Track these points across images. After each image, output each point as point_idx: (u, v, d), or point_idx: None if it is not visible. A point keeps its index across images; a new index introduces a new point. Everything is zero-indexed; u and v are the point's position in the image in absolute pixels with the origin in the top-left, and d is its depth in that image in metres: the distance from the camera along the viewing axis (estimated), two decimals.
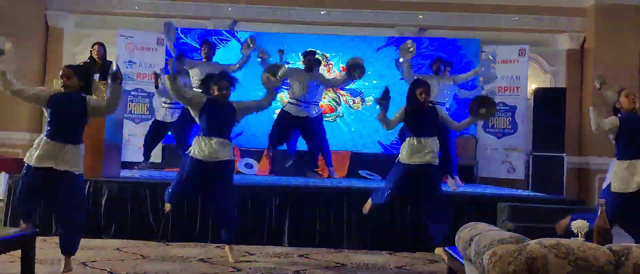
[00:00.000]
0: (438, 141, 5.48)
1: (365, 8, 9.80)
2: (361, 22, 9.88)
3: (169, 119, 7.50)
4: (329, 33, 9.81)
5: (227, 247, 5.19)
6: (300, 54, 7.94)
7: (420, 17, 9.85)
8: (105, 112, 4.54)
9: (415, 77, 6.49)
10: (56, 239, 5.59)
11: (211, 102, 5.02)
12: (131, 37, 9.32)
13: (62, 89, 4.32)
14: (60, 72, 4.35)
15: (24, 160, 4.30)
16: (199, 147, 4.98)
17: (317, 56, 7.67)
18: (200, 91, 5.74)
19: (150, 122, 8.07)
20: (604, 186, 4.95)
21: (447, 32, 9.85)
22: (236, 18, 9.92)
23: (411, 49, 6.82)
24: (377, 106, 5.48)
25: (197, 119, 5.11)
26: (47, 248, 5.29)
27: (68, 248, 4.36)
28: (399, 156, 5.48)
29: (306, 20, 9.85)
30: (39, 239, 4.27)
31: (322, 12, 9.83)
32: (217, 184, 5.03)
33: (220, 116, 5.01)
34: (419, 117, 5.41)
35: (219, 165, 4.98)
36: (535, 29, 9.84)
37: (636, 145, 4.72)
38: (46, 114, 4.35)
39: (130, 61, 9.26)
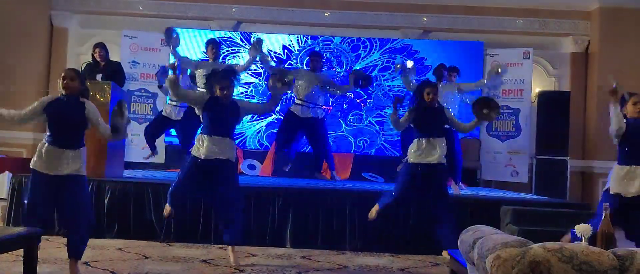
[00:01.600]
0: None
1: (370, 10, 9.80)
2: (365, 24, 9.88)
3: (174, 117, 7.50)
4: (333, 35, 9.80)
5: (229, 249, 5.15)
6: (306, 55, 7.93)
7: (425, 19, 9.84)
8: (104, 137, 4.51)
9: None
10: (59, 239, 5.61)
11: (213, 100, 5.01)
12: (135, 37, 9.35)
13: (63, 90, 4.25)
14: (63, 73, 4.29)
15: (30, 166, 4.28)
16: (200, 145, 4.97)
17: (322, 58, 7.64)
18: (205, 90, 5.74)
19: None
20: (604, 188, 4.92)
21: (451, 35, 9.83)
22: (240, 19, 9.93)
23: (410, 69, 7.05)
24: (389, 107, 5.57)
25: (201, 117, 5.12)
26: (49, 247, 5.30)
27: (74, 252, 4.29)
28: (407, 156, 5.55)
29: (310, 21, 9.85)
30: (41, 238, 4.26)
31: (326, 14, 9.83)
32: (219, 184, 4.99)
33: (222, 114, 4.98)
34: (427, 118, 5.48)
35: (218, 164, 4.94)
36: (540, 32, 9.82)
37: (638, 151, 4.68)
38: (45, 121, 4.30)
39: (134, 61, 9.28)
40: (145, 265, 4.84)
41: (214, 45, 7.19)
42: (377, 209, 5.64)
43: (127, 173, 7.21)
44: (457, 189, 6.95)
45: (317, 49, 9.42)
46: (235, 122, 5.12)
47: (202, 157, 4.92)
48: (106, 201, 6.21)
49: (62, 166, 4.19)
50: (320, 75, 7.26)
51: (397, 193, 5.53)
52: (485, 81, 7.65)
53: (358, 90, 7.67)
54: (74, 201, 4.26)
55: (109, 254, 5.30)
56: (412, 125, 5.65)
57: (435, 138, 5.46)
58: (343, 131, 9.64)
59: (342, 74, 9.64)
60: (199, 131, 5.15)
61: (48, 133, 4.27)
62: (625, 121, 4.78)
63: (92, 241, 5.80)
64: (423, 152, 5.43)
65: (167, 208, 5.23)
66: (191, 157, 5.03)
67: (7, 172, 7.48)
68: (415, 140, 5.54)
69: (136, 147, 8.78)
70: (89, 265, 4.74)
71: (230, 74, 5.07)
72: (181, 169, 5.21)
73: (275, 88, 5.34)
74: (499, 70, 7.55)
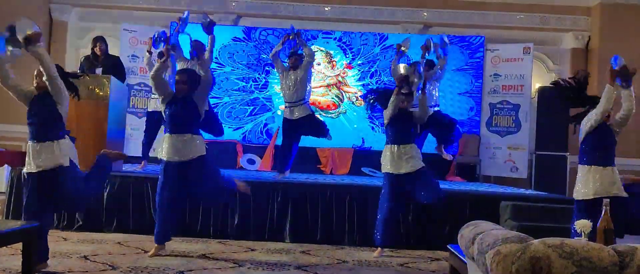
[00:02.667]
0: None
1: (370, 5, 9.78)
2: (365, 19, 9.87)
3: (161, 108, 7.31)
4: (333, 29, 9.78)
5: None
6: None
7: (425, 14, 9.83)
8: (49, 79, 4.25)
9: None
10: (58, 232, 5.61)
11: (174, 98, 4.97)
12: (134, 31, 9.33)
13: (35, 90, 4.25)
14: (35, 72, 4.27)
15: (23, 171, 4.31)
16: (165, 147, 4.92)
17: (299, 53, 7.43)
18: None
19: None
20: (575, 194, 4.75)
21: (451, 30, 9.81)
22: (240, 13, 9.91)
23: (404, 48, 6.98)
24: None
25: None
26: (48, 241, 5.28)
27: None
28: (382, 165, 5.60)
29: (310, 16, 9.83)
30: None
31: (326, 8, 9.81)
32: (195, 182, 4.93)
33: (181, 111, 4.91)
34: (398, 124, 5.53)
35: (189, 164, 4.89)
36: (540, 27, 9.81)
37: (600, 151, 4.58)
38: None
39: (133, 55, 9.26)
40: (145, 259, 4.84)
41: (197, 45, 6.91)
42: (381, 246, 5.61)
43: (126, 167, 7.20)
44: (446, 155, 7.14)
45: (316, 45, 9.42)
46: (196, 118, 4.98)
47: (169, 160, 4.89)
48: (105, 195, 6.20)
49: (43, 159, 4.16)
50: (299, 71, 7.12)
51: (388, 205, 5.51)
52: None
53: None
54: (62, 193, 4.21)
55: (108, 248, 5.29)
56: (385, 127, 5.65)
57: (405, 145, 5.48)
58: (343, 126, 9.63)
59: (342, 68, 9.62)
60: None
61: (30, 132, 4.26)
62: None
63: (91, 235, 5.83)
64: (395, 162, 5.46)
65: (154, 250, 5.05)
66: (161, 163, 4.98)
67: (5, 165, 7.47)
68: (387, 147, 5.58)
69: (136, 141, 8.75)
70: (89, 259, 4.74)
71: (189, 72, 5.10)
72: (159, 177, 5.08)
73: None
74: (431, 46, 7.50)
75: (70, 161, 4.27)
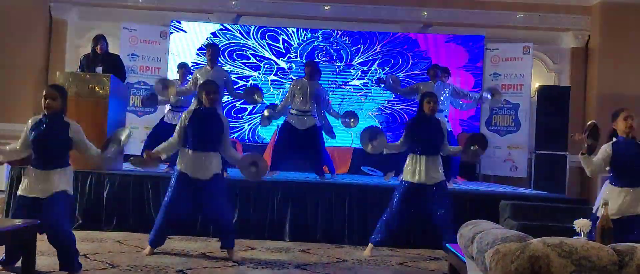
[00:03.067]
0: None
1: (370, 4, 9.77)
2: (365, 18, 9.86)
3: (175, 121, 7.35)
4: (333, 28, 9.78)
5: (226, 251, 5.07)
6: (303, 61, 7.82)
7: (425, 13, 9.82)
8: (93, 159, 4.39)
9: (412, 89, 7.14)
10: None
11: (198, 112, 4.88)
12: (135, 30, 9.33)
13: (45, 110, 4.15)
14: (44, 92, 4.17)
15: (17, 193, 4.22)
16: (185, 161, 4.84)
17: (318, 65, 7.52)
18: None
19: (154, 122, 7.95)
20: (594, 209, 4.54)
21: (451, 29, 9.81)
22: (240, 12, 9.90)
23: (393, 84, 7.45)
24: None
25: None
26: (45, 239, 5.28)
27: (67, 266, 4.16)
28: (402, 175, 5.48)
29: (310, 15, 9.82)
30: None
31: (326, 7, 9.80)
32: (208, 199, 4.88)
33: (207, 127, 4.84)
34: (424, 132, 5.35)
35: (207, 182, 4.83)
36: (540, 26, 9.80)
37: (630, 173, 4.40)
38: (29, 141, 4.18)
39: (133, 54, 9.26)
40: (144, 258, 4.85)
41: (211, 49, 6.87)
42: (373, 244, 5.54)
43: (126, 166, 7.20)
44: (450, 184, 6.99)
45: (314, 44, 9.44)
46: (220, 135, 4.88)
47: (189, 173, 4.81)
48: (105, 193, 6.21)
49: (47, 188, 4.09)
50: (316, 83, 7.12)
51: (397, 212, 5.39)
52: (477, 97, 7.73)
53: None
54: (55, 219, 4.08)
55: (108, 246, 5.30)
56: (407, 138, 5.45)
57: (432, 156, 5.33)
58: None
59: (341, 67, 9.63)
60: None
61: (32, 155, 4.17)
62: (613, 141, 4.52)
63: (91, 233, 5.83)
64: (418, 171, 5.30)
65: (148, 250, 5.01)
66: (177, 173, 4.89)
67: (5, 164, 7.44)
68: (410, 156, 5.41)
69: (135, 140, 8.75)
70: (88, 258, 4.74)
71: (215, 83, 5.01)
72: (169, 188, 4.98)
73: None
74: (499, 98, 7.69)
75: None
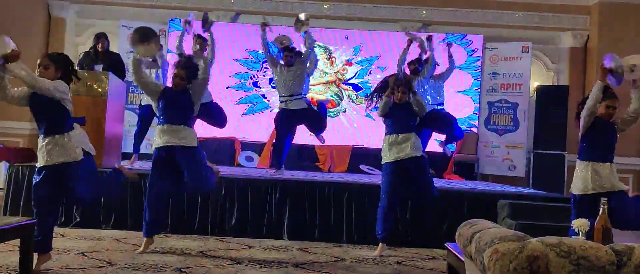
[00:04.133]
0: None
1: (369, 3, 9.78)
2: (364, 16, 9.86)
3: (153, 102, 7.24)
4: (332, 27, 9.77)
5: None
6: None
7: (424, 12, 9.83)
8: (33, 88, 4.16)
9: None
10: (56, 229, 5.59)
11: (168, 90, 4.97)
12: (133, 28, 9.28)
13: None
14: (38, 61, 4.20)
15: (37, 166, 4.22)
16: (159, 136, 4.91)
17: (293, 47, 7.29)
18: None
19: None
20: (572, 188, 4.69)
21: (450, 28, 9.81)
22: (239, 10, 9.90)
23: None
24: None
25: (155, 109, 5.04)
26: None
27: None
28: (382, 157, 5.54)
29: (309, 13, 9.79)
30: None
31: (325, 6, 9.80)
32: (187, 164, 4.88)
33: (176, 103, 4.90)
34: (395, 116, 5.47)
35: (178, 151, 4.85)
36: (539, 26, 9.82)
37: (598, 148, 4.54)
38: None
39: (132, 52, 9.22)
40: (142, 256, 4.84)
41: (200, 40, 6.87)
42: (382, 241, 5.53)
43: (124, 164, 7.19)
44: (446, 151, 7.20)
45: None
46: (190, 110, 4.96)
47: (161, 145, 4.86)
48: None
49: (54, 154, 4.11)
50: (295, 68, 7.11)
51: (387, 195, 5.44)
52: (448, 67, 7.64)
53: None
54: (77, 185, 4.18)
55: (106, 245, 5.29)
56: (382, 120, 5.63)
57: (405, 133, 5.44)
58: (342, 124, 9.63)
59: (340, 66, 9.63)
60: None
61: (38, 127, 4.20)
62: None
63: (88, 232, 5.82)
64: (394, 148, 5.42)
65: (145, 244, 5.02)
66: (154, 151, 4.94)
67: (4, 162, 7.45)
68: (385, 137, 5.54)
69: (133, 138, 8.74)
70: (86, 255, 4.74)
71: (187, 63, 5.00)
72: (150, 173, 5.03)
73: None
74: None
75: (84, 151, 4.24)
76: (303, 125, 7.24)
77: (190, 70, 4.94)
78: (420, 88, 7.05)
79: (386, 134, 5.55)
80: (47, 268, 4.24)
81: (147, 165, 7.49)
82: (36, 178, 4.20)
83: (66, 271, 4.18)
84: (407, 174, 5.45)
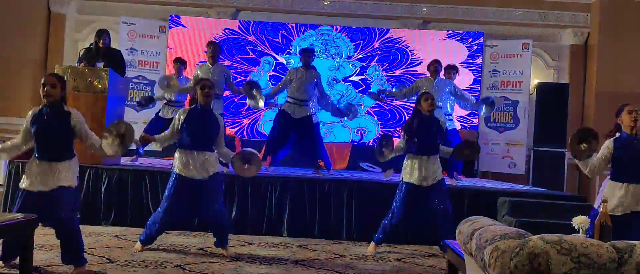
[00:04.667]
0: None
1: (369, 0, 9.76)
2: (365, 14, 9.85)
3: (169, 116, 7.36)
4: (332, 24, 9.76)
5: (222, 249, 5.03)
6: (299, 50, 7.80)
7: (424, 10, 9.81)
8: (94, 149, 4.24)
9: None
10: None
11: (193, 111, 4.80)
12: (133, 24, 9.30)
13: (43, 99, 4.03)
14: (43, 80, 4.04)
15: (20, 186, 4.11)
16: (182, 162, 4.74)
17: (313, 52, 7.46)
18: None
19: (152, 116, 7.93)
20: (595, 205, 4.48)
21: (450, 25, 9.80)
22: (239, 7, 9.88)
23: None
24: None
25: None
26: (46, 234, 5.28)
27: (72, 260, 4.13)
28: (402, 175, 5.34)
29: (309, 10, 9.81)
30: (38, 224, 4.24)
31: (325, 3, 9.79)
32: (205, 199, 4.80)
33: (202, 126, 4.76)
34: (423, 133, 5.24)
35: (205, 183, 4.75)
36: (540, 23, 9.81)
37: (631, 169, 4.31)
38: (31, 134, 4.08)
39: (132, 48, 9.24)
40: (142, 253, 4.84)
41: (213, 46, 6.93)
42: (376, 242, 5.45)
43: (124, 161, 7.20)
44: (453, 181, 6.95)
45: (313, 40, 9.45)
46: (216, 135, 4.82)
47: (186, 176, 4.71)
48: (103, 188, 6.20)
49: (51, 181, 3.99)
50: (312, 72, 7.11)
51: (398, 213, 5.28)
52: (473, 103, 7.61)
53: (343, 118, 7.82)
54: (60, 211, 4.02)
55: (106, 241, 5.29)
56: (407, 138, 5.35)
57: (431, 155, 5.24)
58: (341, 121, 9.63)
59: (340, 63, 9.62)
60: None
61: (35, 147, 4.07)
62: (616, 137, 4.45)
63: (88, 228, 5.82)
64: (418, 172, 5.20)
65: (138, 247, 4.94)
66: (174, 175, 4.79)
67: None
68: (408, 156, 5.31)
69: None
70: (86, 252, 4.73)
71: (209, 81, 4.91)
72: (167, 190, 4.87)
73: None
74: (491, 110, 7.66)
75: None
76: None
77: (213, 86, 4.97)
78: (442, 89, 7.10)
79: (409, 152, 5.30)
80: (47, 264, 4.25)
81: (147, 162, 7.49)
82: (21, 202, 4.04)
83: (66, 269, 4.18)
84: (426, 196, 5.25)
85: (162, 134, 4.89)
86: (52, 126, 4.03)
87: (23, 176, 4.10)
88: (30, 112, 4.14)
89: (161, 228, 4.91)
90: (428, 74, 7.34)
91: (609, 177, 4.47)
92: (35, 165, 4.04)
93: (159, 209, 4.89)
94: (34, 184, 4.00)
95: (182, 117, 4.77)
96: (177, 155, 4.81)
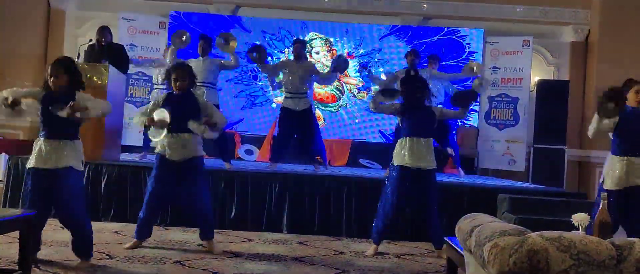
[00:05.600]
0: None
1: None
2: (365, 10, 9.83)
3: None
4: (333, 20, 9.75)
5: (206, 242, 5.01)
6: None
7: (425, 6, 9.80)
8: (104, 111, 4.32)
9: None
10: (56, 221, 5.60)
11: (171, 95, 4.83)
12: (133, 20, 9.29)
13: (52, 87, 4.05)
14: (49, 70, 4.07)
15: (27, 167, 4.13)
16: (162, 144, 4.78)
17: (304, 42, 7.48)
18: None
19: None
20: (600, 181, 4.71)
21: (451, 22, 9.79)
22: (239, 3, 9.86)
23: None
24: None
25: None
26: (46, 229, 5.26)
27: (83, 251, 4.20)
28: (393, 159, 5.19)
29: (310, 6, 9.80)
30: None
31: None
32: (185, 183, 4.81)
33: (181, 108, 4.75)
34: (417, 117, 5.11)
35: (183, 165, 4.76)
36: (540, 20, 9.79)
37: (632, 142, 4.51)
38: (38, 113, 4.09)
39: (131, 44, 9.23)
40: (142, 249, 4.84)
41: (204, 41, 6.91)
42: (376, 243, 5.32)
43: (124, 157, 7.20)
44: (461, 174, 7.19)
45: (316, 33, 9.45)
46: (196, 117, 4.77)
47: (167, 156, 4.75)
48: (103, 184, 6.21)
49: (60, 158, 4.03)
50: (305, 63, 7.12)
51: (391, 201, 5.12)
52: (453, 75, 7.73)
53: (337, 77, 7.71)
54: (69, 195, 4.08)
55: (106, 237, 5.29)
56: (399, 122, 5.34)
57: (423, 138, 5.09)
58: (342, 119, 9.62)
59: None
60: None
61: (41, 126, 4.09)
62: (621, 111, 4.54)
63: None
64: (409, 155, 5.03)
65: (134, 243, 4.90)
66: (157, 157, 4.83)
67: (3, 153, 7.45)
68: (401, 140, 5.15)
69: (133, 130, 8.75)
70: None
71: (185, 66, 4.91)
72: (152, 172, 4.92)
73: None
74: (474, 69, 7.63)
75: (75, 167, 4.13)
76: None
77: (190, 71, 4.93)
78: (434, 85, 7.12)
79: (402, 136, 5.16)
80: (47, 260, 4.25)
81: (147, 158, 7.49)
82: (31, 181, 4.10)
83: (66, 263, 4.18)
84: (418, 181, 5.09)
85: (139, 111, 4.99)
86: (58, 105, 4.00)
87: (30, 158, 4.10)
88: (37, 90, 4.14)
89: (148, 210, 4.85)
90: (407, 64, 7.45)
91: (610, 153, 4.65)
92: (42, 143, 4.07)
93: (145, 195, 4.95)
94: (41, 161, 4.03)
95: (160, 100, 4.85)
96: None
